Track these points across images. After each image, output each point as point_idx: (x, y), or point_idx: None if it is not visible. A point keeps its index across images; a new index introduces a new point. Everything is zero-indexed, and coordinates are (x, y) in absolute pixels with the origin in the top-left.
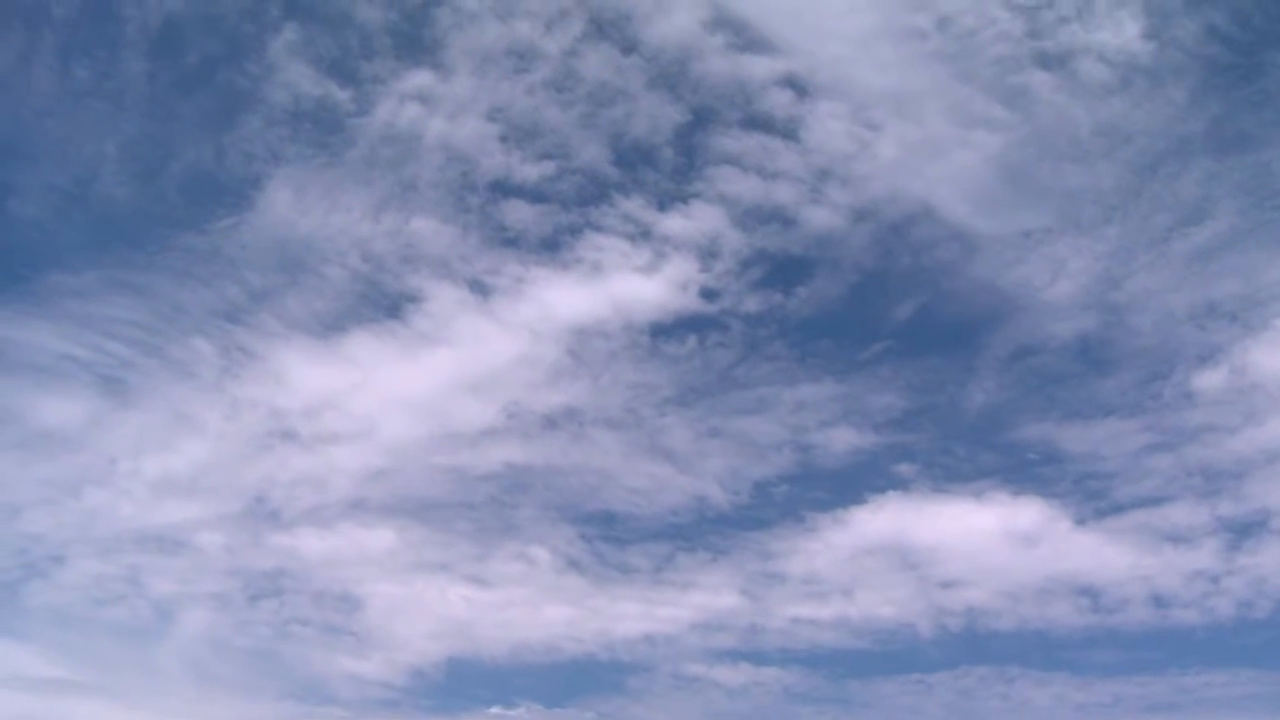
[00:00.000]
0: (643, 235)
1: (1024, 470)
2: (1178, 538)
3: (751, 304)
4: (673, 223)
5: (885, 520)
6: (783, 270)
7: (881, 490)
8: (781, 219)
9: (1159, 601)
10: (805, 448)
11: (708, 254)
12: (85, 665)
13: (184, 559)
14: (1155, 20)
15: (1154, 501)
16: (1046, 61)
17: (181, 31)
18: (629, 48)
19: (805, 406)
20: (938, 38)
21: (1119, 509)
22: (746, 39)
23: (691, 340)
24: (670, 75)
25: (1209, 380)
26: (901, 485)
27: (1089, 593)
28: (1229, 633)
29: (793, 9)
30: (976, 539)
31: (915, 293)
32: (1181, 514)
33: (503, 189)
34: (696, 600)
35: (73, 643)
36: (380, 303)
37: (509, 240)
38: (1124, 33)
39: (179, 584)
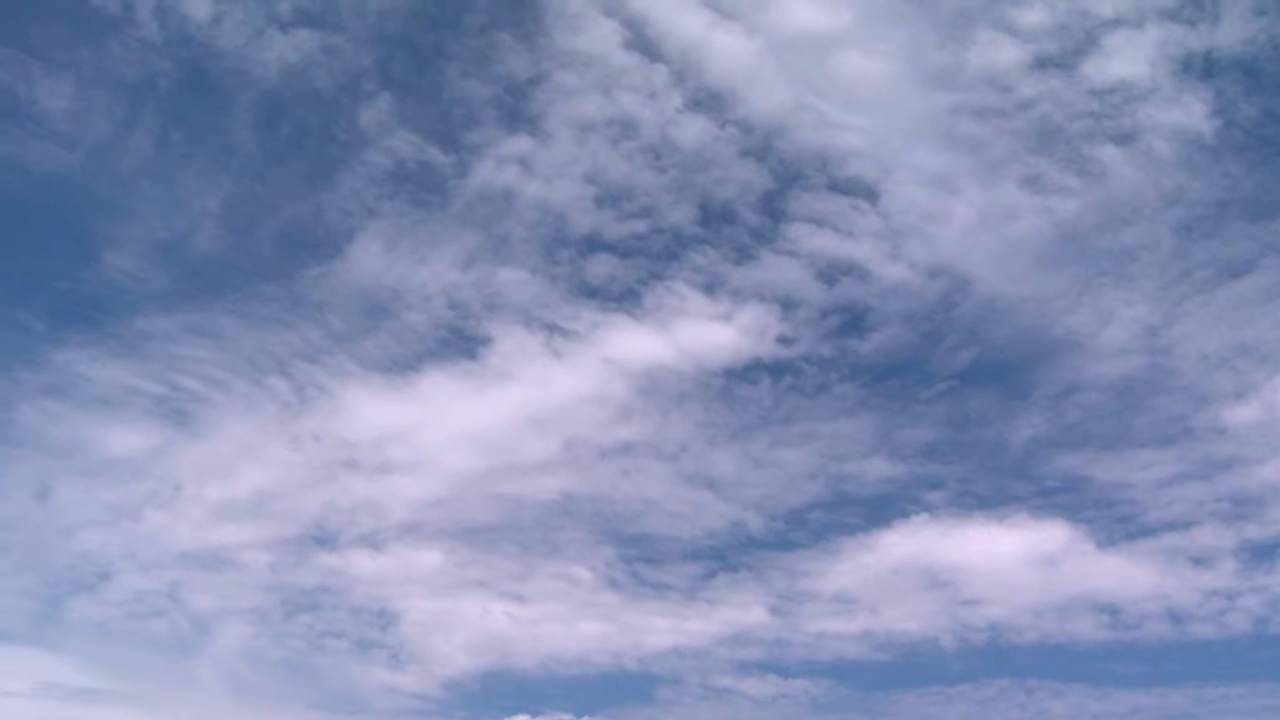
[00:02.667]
0: (720, 286)
1: (1050, 496)
2: (1201, 559)
3: (825, 350)
4: (751, 274)
5: (913, 542)
6: (857, 319)
7: (907, 516)
8: (858, 273)
9: (1178, 618)
10: (842, 477)
11: (787, 304)
12: (123, 676)
13: (226, 576)
14: (1222, 102)
15: (1181, 526)
16: (1119, 137)
17: (280, 101)
18: (725, 120)
19: (843, 438)
20: (1020, 117)
21: (1146, 532)
22: (834, 113)
23: (765, 383)
24: (761, 146)
25: (1241, 415)
26: (930, 510)
27: (1109, 610)
28: (1248, 647)
29: (877, 86)
30: (1001, 560)
31: (975, 341)
32: (1207, 537)
33: (590, 243)
34: (726, 616)
35: (112, 655)
36: (458, 345)
37: (591, 290)
38: (1193, 113)
39: (219, 599)
